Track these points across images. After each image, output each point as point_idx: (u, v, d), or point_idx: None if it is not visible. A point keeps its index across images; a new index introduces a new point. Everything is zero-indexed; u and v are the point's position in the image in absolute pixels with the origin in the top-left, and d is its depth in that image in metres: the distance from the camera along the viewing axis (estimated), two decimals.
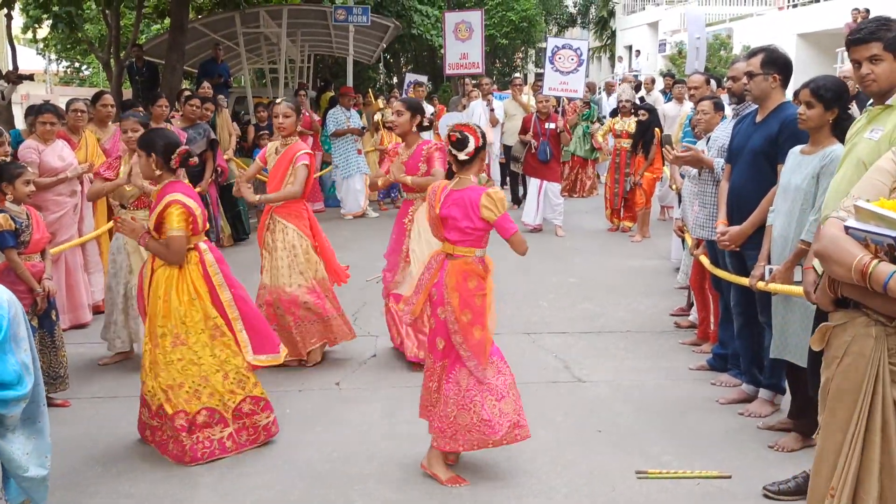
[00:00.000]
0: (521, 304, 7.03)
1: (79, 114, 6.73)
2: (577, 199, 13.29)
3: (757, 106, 4.61)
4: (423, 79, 13.11)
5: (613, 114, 11.03)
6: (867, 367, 2.21)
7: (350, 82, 16.06)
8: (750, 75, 4.43)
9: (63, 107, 6.97)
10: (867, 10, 16.85)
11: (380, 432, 4.48)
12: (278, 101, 5.77)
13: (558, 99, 11.17)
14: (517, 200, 12.08)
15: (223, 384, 4.22)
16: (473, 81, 12.58)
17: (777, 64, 4.41)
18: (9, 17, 12.10)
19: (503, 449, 4.06)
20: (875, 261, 2.12)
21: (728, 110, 5.52)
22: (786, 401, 4.54)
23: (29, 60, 26.79)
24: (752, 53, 4.55)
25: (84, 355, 5.79)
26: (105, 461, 4.17)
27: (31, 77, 9.79)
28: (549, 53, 11.12)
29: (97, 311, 6.55)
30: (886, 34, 3.26)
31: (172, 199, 4.17)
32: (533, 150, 10.22)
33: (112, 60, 13.46)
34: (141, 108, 8.31)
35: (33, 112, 6.51)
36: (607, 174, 10.78)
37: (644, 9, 31.39)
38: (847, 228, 2.18)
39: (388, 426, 4.56)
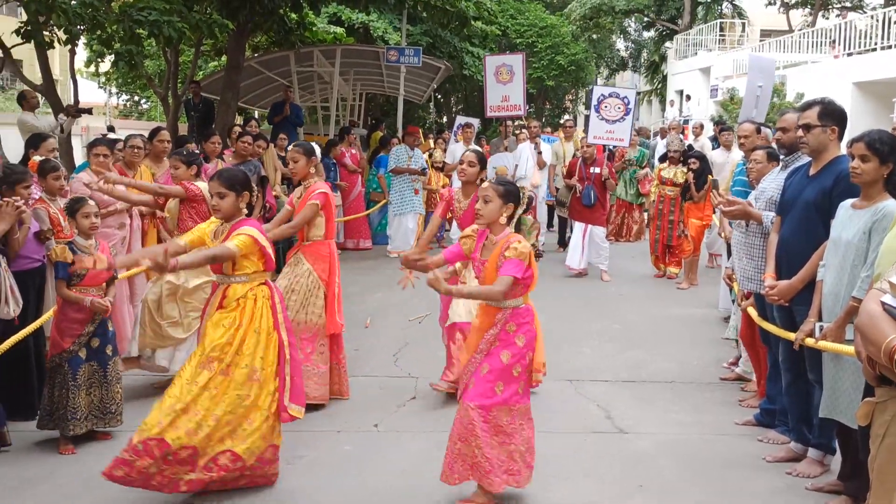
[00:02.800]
0: (564, 350, 6.93)
1: (135, 150, 6.89)
2: (624, 244, 13.18)
3: (808, 158, 4.53)
4: (475, 121, 13.14)
5: (662, 159, 10.94)
6: None
7: (399, 121, 16.22)
8: (807, 127, 4.33)
9: (123, 139, 7.17)
10: None
11: (417, 477, 4.42)
12: (290, 147, 5.69)
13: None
14: (563, 244, 12.04)
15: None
16: (518, 123, 12.56)
17: (834, 116, 4.33)
18: (72, 51, 12.51)
19: (543, 501, 3.98)
20: None
21: None
22: (836, 460, 4.39)
23: (91, 93, 27.72)
24: (806, 105, 4.46)
25: (132, 388, 5.80)
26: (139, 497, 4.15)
27: (89, 111, 10.08)
28: (594, 102, 11.04)
29: None
30: None
31: (248, 231, 4.14)
32: (578, 195, 10.18)
33: (170, 95, 13.80)
34: (193, 144, 8.53)
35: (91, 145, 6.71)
36: (650, 220, 10.67)
37: (696, 54, 31.19)
38: (884, 305, 2.09)
39: (427, 471, 4.46)
